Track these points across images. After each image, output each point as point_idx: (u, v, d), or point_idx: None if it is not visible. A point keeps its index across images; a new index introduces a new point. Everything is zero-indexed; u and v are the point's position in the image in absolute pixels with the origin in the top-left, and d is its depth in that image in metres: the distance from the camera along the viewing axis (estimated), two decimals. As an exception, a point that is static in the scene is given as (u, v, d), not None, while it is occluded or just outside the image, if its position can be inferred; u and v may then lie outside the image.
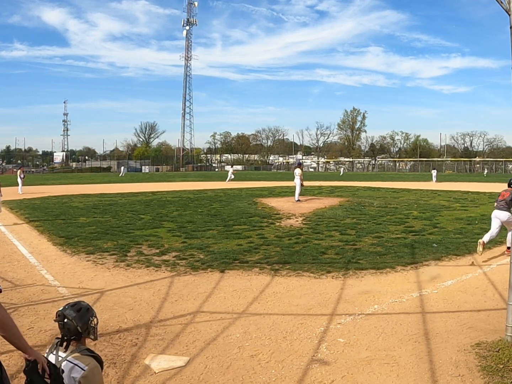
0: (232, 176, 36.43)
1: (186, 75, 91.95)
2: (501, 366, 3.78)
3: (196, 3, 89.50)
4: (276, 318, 5.10)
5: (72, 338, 2.56)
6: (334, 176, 51.18)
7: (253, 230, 10.87)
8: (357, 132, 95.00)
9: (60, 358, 2.52)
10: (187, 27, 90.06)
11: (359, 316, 5.17)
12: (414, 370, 3.82)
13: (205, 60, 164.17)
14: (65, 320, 2.55)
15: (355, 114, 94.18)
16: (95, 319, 2.63)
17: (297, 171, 17.81)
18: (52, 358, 2.54)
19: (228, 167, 35.41)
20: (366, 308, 5.44)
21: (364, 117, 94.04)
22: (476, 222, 12.07)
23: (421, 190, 25.31)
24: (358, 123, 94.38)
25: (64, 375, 2.48)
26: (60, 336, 2.56)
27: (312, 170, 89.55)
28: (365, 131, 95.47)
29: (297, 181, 17.48)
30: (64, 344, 2.55)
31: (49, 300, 5.74)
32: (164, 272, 7.16)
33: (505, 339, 4.27)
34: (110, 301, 5.72)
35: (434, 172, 40.08)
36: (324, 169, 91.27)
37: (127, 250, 8.71)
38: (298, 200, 17.08)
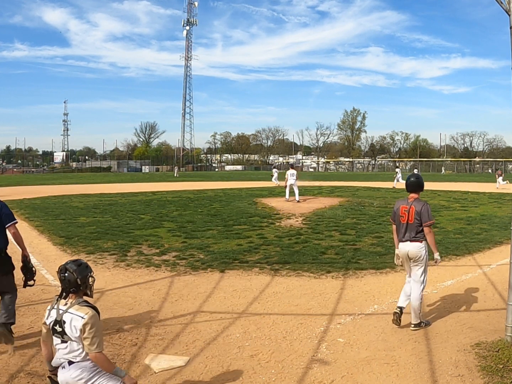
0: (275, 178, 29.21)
1: (186, 75, 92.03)
2: (501, 366, 3.79)
3: (196, 3, 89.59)
4: (276, 318, 5.10)
5: (71, 290, 2.85)
6: (334, 176, 51.12)
7: (253, 230, 10.87)
8: (357, 132, 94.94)
9: (61, 311, 2.81)
10: (187, 27, 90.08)
11: (359, 316, 5.17)
12: (414, 370, 3.82)
13: (206, 60, 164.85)
14: (67, 273, 2.84)
15: (355, 114, 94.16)
16: (92, 277, 2.94)
17: (292, 172, 18.11)
18: (53, 313, 2.84)
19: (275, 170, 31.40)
20: (366, 308, 5.44)
21: (364, 117, 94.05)
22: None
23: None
24: (358, 123, 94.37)
25: (65, 326, 2.78)
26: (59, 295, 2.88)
27: (312, 170, 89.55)
28: (365, 131, 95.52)
29: (294, 182, 17.71)
30: (63, 295, 2.85)
31: (49, 300, 5.71)
32: (164, 272, 7.17)
33: (505, 339, 4.27)
34: (110, 301, 5.73)
35: (415, 171, 43.46)
36: (324, 169, 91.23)
37: (127, 250, 8.71)
38: (298, 201, 17.21)
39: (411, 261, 4.81)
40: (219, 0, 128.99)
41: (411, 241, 4.75)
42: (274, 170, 31.09)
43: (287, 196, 17.85)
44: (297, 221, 12.46)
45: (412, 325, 4.81)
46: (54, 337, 2.86)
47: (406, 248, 4.79)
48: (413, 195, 4.95)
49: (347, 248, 8.76)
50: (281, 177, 23.17)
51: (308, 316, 5.18)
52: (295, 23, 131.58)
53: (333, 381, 3.67)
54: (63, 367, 2.80)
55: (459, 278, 6.73)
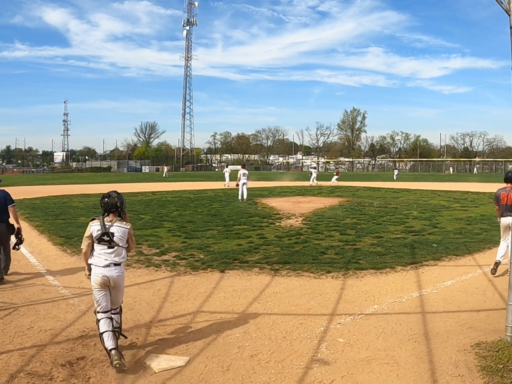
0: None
1: (186, 75, 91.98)
2: (501, 366, 3.78)
3: (196, 3, 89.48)
4: (276, 318, 5.10)
5: (112, 210, 4.09)
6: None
7: (253, 230, 10.87)
8: (357, 132, 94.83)
9: (107, 225, 4.03)
10: (187, 27, 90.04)
11: (359, 316, 5.17)
12: (414, 370, 3.82)
13: (206, 60, 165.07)
14: (109, 198, 4.12)
15: (355, 114, 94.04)
16: (126, 207, 4.26)
17: (244, 171, 18.55)
18: (99, 227, 4.01)
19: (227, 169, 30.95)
20: (366, 308, 5.44)
21: (364, 117, 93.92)
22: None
23: (421, 190, 25.30)
24: (358, 123, 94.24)
25: (114, 235, 4.01)
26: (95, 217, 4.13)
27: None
28: (365, 131, 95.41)
29: (246, 182, 18.33)
30: (105, 214, 4.10)
31: (49, 300, 5.74)
32: (164, 272, 7.16)
33: (505, 339, 4.27)
34: (110, 301, 5.72)
35: (396, 171, 46.55)
36: (324, 169, 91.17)
37: (127, 250, 8.70)
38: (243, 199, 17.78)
39: (510, 229, 6.45)
40: (219, 0, 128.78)
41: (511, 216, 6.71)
42: (226, 169, 30.66)
43: (239, 197, 18.11)
44: (297, 221, 12.46)
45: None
46: (100, 245, 4.01)
47: (507, 221, 6.69)
48: (509, 184, 6.73)
49: (347, 248, 8.76)
50: (233, 177, 23.99)
51: (308, 316, 5.18)
52: (295, 23, 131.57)
53: (333, 381, 3.67)
54: (109, 266, 3.98)
55: (459, 278, 6.74)
